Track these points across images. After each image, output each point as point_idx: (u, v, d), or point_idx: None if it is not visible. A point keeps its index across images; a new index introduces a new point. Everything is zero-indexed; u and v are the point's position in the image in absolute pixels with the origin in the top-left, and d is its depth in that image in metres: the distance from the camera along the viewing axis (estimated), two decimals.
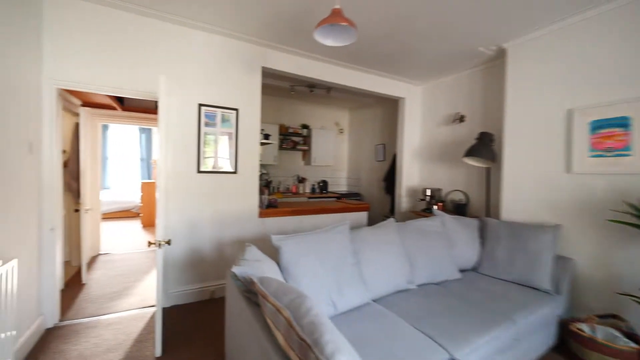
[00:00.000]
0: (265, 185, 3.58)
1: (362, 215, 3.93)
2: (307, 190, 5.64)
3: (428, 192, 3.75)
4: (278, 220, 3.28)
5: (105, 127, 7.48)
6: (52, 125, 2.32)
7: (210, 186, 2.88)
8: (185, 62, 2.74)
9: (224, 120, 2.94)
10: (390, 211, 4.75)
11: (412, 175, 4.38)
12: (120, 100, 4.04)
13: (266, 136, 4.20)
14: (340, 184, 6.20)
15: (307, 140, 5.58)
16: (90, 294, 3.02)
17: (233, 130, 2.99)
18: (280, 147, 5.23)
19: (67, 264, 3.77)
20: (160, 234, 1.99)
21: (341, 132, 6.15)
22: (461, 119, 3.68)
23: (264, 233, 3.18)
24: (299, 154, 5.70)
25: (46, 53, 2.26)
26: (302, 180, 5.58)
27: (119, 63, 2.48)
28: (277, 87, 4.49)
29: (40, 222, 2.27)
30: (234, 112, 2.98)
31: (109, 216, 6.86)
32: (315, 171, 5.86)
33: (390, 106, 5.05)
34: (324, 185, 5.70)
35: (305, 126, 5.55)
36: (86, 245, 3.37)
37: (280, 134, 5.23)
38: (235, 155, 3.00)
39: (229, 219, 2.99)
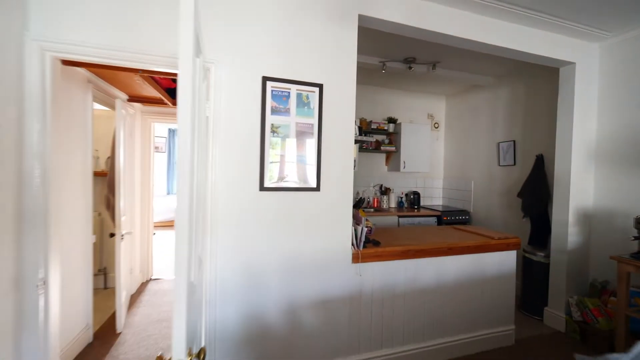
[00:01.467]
0: (355, 204, 2.37)
1: (510, 257, 2.43)
2: (393, 204, 4.28)
3: None
4: (383, 268, 2.01)
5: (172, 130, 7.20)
6: (43, 116, 1.43)
7: (277, 211, 1.76)
8: (238, 9, 1.67)
9: (301, 103, 1.79)
10: (537, 244, 3.11)
11: (584, 189, 2.70)
12: (171, 93, 3.26)
13: (362, 131, 2.93)
14: (434, 195, 4.69)
15: (393, 138, 4.23)
16: (121, 355, 2.14)
17: (314, 120, 1.82)
18: (361, 148, 3.99)
19: (108, 298, 3.07)
20: (180, 335, 0.86)
21: (436, 127, 4.64)
22: None
23: (362, 289, 1.95)
24: (382, 157, 4.38)
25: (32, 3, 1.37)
26: (385, 191, 4.25)
27: (139, 19, 1.50)
28: (360, 66, 3.25)
29: (21, 272, 1.38)
30: (316, 89, 1.82)
31: (170, 224, 6.45)
32: (402, 179, 4.46)
33: (528, 82, 3.40)
34: (415, 198, 4.28)
35: (392, 120, 4.20)
36: (123, 281, 2.56)
37: (360, 132, 3.98)
38: (317, 160, 1.83)
39: (307, 266, 1.82)
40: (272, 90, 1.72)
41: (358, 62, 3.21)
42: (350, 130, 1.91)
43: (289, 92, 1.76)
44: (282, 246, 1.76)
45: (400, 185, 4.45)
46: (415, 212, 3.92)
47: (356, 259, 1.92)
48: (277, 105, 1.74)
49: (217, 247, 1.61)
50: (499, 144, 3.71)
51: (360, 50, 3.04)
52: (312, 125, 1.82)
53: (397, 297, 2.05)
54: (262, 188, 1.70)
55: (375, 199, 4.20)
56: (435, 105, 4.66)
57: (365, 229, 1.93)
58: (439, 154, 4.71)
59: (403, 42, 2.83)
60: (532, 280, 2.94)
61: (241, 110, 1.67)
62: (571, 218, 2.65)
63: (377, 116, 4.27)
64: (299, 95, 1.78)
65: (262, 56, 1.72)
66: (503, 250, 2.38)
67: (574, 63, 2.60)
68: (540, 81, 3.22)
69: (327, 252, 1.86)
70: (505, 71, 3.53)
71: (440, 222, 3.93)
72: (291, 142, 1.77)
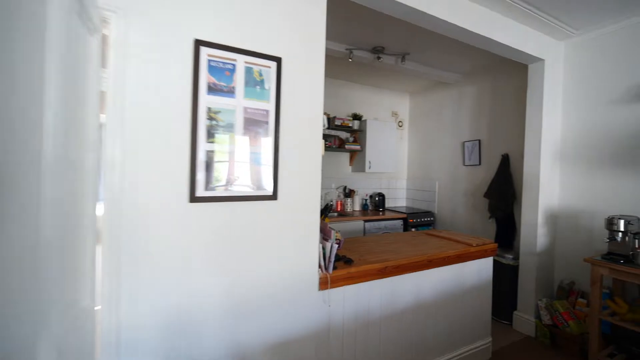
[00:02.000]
0: (321, 212, 1.97)
1: (488, 264, 2.24)
2: (357, 207, 3.98)
3: (621, 225, 2.02)
4: (356, 292, 1.63)
5: None
6: None
7: (217, 230, 1.27)
8: None
9: (252, 81, 1.33)
10: (503, 245, 3.02)
11: (551, 190, 2.64)
12: None
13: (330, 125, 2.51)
14: (398, 197, 4.51)
15: (358, 136, 3.93)
16: None
17: (270, 105, 1.37)
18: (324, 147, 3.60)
19: None
20: None
21: (400, 126, 4.46)
22: None
23: (331, 321, 1.55)
24: (346, 157, 4.06)
25: None
26: (349, 193, 3.93)
27: None
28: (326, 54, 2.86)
29: None
30: (273, 64, 1.37)
31: None
32: (367, 180, 4.19)
33: (494, 80, 3.33)
34: (380, 200, 4.03)
35: (357, 116, 3.89)
36: None
37: (329, 124, 3.59)
38: (274, 159, 1.38)
39: (261, 301, 1.36)
40: (209, 61, 1.23)
41: None
42: (317, 121, 1.50)
43: (234, 65, 1.28)
44: (225, 277, 1.28)
45: (364, 187, 4.17)
46: (381, 216, 3.66)
47: (325, 284, 1.51)
48: (217, 82, 1.25)
49: (119, 286, 1.07)
50: (464, 143, 3.61)
51: (326, 35, 2.65)
52: (267, 112, 1.36)
53: (371, 325, 1.70)
54: (194, 198, 1.19)
55: (339, 202, 3.86)
56: (399, 103, 4.48)
57: (335, 246, 1.53)
58: (402, 154, 4.54)
59: (372, 28, 2.51)
60: (500, 283, 2.83)
61: (161, 85, 1.15)
62: (540, 219, 2.57)
63: (341, 112, 3.93)
64: (248, 71, 1.31)
65: (196, 10, 1.21)
66: (481, 258, 2.18)
67: (543, 60, 2.52)
68: (507, 79, 3.16)
69: (288, 280, 1.42)
70: (471, 68, 3.43)
71: (406, 225, 3.73)
72: (237, 133, 1.30)
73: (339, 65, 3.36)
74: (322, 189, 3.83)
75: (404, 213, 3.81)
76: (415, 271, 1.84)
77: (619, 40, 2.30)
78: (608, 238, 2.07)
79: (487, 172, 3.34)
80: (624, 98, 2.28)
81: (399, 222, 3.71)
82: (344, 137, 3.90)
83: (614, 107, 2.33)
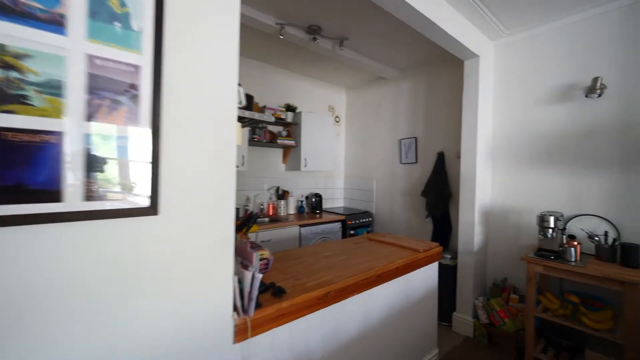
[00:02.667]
0: (242, 225, 1.47)
1: (433, 270, 2.06)
2: (292, 210, 3.56)
3: (551, 221, 2.04)
4: (290, 333, 1.19)
5: None
6: None
7: (39, 277, 0.68)
8: None
9: (104, 12, 0.76)
10: (442, 244, 2.96)
11: (485, 188, 2.65)
12: None
13: (250, 106, 1.94)
14: (335, 197, 4.24)
15: (292, 130, 3.50)
16: None
17: (143, 58, 0.82)
18: (251, 141, 3.06)
19: None
20: None
21: (337, 122, 4.20)
22: (599, 90, 2.05)
23: None
24: (278, 153, 3.59)
25: None
26: (283, 194, 3.48)
27: None
28: (250, 24, 2.35)
29: None
30: None
31: None
32: (302, 180, 3.80)
33: (430, 75, 3.27)
34: (317, 201, 3.69)
35: (290, 107, 3.46)
36: None
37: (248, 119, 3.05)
38: (153, 151, 0.84)
39: None
40: None
41: (247, 18, 2.30)
42: (229, 92, 1.00)
43: None
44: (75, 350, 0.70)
45: (300, 187, 3.77)
46: (318, 219, 3.31)
47: (243, 333, 1.03)
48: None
49: None
50: (400, 141, 3.51)
51: (251, 2, 2.14)
52: (138, 69, 0.82)
53: None
54: None
55: (271, 205, 3.38)
56: (336, 97, 4.21)
57: (258, 277, 1.06)
58: (339, 151, 4.29)
59: (308, 1, 2.10)
60: (440, 285, 2.75)
61: None
62: (477, 218, 2.54)
63: (272, 102, 3.45)
64: None
65: None
66: (428, 264, 1.98)
67: (478, 56, 2.48)
68: (442, 76, 3.12)
69: (183, 338, 0.90)
70: (408, 63, 3.33)
71: (345, 227, 3.46)
72: (72, 101, 0.72)
73: (268, 45, 2.87)
74: (251, 189, 3.31)
75: (342, 215, 3.54)
76: (363, 291, 1.50)
77: (544, 42, 2.38)
78: (541, 234, 2.08)
79: (423, 170, 3.28)
80: (548, 98, 2.36)
81: (337, 225, 3.41)
82: (276, 131, 3.43)
83: (540, 107, 2.40)
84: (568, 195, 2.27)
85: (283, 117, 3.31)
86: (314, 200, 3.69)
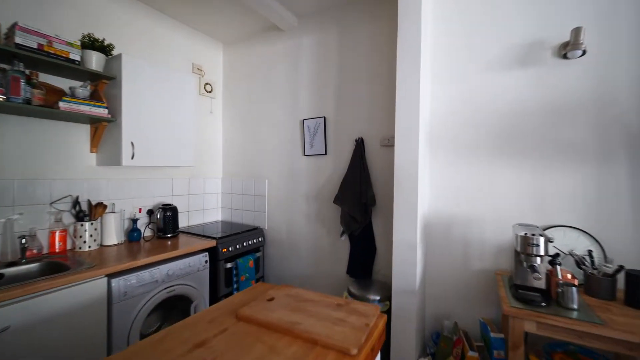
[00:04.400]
0: None
1: None
2: (113, 237, 1.92)
3: (541, 246, 1.25)
4: None
5: None
6: None
7: None
8: None
9: None
10: (360, 275, 1.99)
11: (423, 190, 1.79)
12: None
13: None
14: (207, 207, 2.78)
15: (105, 91, 1.85)
16: None
17: None
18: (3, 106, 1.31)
19: None
20: None
21: (208, 92, 2.74)
22: (582, 45, 1.41)
23: None
24: (84, 132, 1.88)
25: None
26: (91, 210, 1.82)
27: None
28: None
29: None
30: None
31: None
32: (134, 183, 2.20)
33: (343, 23, 2.25)
34: (170, 217, 2.17)
35: (96, 43, 1.79)
36: None
37: None
38: None
39: None
40: None
41: None
42: None
43: None
44: None
45: (133, 195, 2.16)
46: (169, 251, 1.82)
47: None
48: None
49: None
50: (303, 122, 2.38)
51: None
52: None
53: None
54: None
55: (58, 234, 1.68)
56: (207, 55, 2.75)
57: None
58: (214, 138, 2.85)
59: None
60: None
61: None
62: (419, 236, 1.64)
63: (58, 28, 1.73)
64: None
65: None
66: None
67: None
68: (361, 23, 2.13)
69: None
70: (310, 8, 2.22)
71: (215, 260, 2.09)
72: None
73: None
74: (14, 206, 1.48)
75: (214, 237, 2.15)
76: None
77: None
78: (527, 266, 1.29)
79: (336, 165, 2.24)
80: (505, 62, 1.65)
81: (203, 259, 2.01)
82: (63, 87, 1.73)
83: (493, 74, 1.68)
84: (530, 197, 1.61)
85: (76, 60, 1.64)
86: (163, 215, 2.16)
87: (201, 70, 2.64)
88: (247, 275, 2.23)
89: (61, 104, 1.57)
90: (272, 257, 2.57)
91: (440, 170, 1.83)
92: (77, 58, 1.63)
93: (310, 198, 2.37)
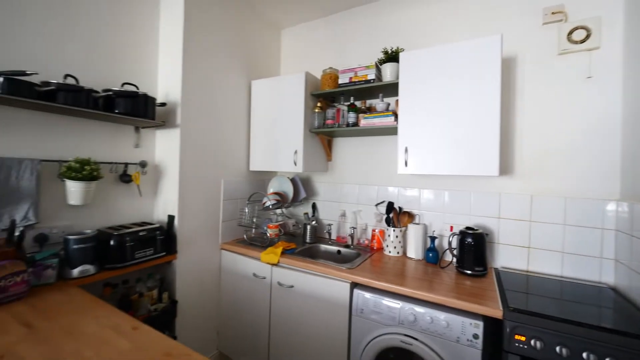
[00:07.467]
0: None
1: None
2: (420, 254, 1.80)
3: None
4: None
5: None
6: None
7: None
8: None
9: None
10: None
11: None
12: None
13: None
14: (583, 250, 1.53)
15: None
16: None
17: None
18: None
19: None
20: None
21: (580, 44, 1.49)
22: None
23: None
24: (391, 142, 2.00)
25: None
26: (388, 219, 1.87)
27: None
28: None
29: None
30: None
31: None
32: (442, 190, 1.83)
33: None
34: (473, 246, 1.57)
35: (392, 55, 1.78)
36: None
37: None
38: None
39: None
40: None
41: None
42: None
43: None
44: None
45: (445, 210, 1.84)
46: (424, 289, 1.38)
47: None
48: None
49: None
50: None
51: None
52: None
53: None
54: None
55: (373, 233, 1.99)
56: None
57: None
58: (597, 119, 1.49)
59: None
60: None
61: None
62: None
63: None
64: None
65: None
66: None
67: None
68: None
69: None
70: None
71: (498, 338, 1.15)
72: None
73: None
74: (351, 203, 2.13)
75: (511, 307, 1.20)
76: None
77: None
78: None
79: None
80: None
81: (470, 328, 1.21)
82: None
83: None
84: None
85: (370, 77, 1.77)
86: (461, 242, 1.61)
87: (562, 11, 1.51)
88: None
89: (362, 122, 1.82)
90: None
91: None
92: (372, 77, 1.78)
93: None
